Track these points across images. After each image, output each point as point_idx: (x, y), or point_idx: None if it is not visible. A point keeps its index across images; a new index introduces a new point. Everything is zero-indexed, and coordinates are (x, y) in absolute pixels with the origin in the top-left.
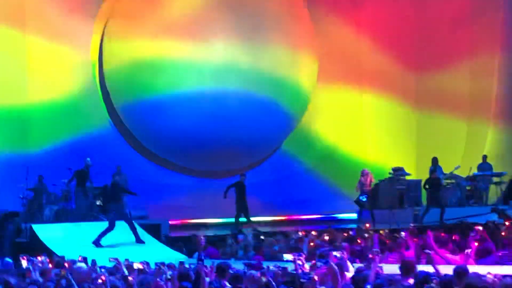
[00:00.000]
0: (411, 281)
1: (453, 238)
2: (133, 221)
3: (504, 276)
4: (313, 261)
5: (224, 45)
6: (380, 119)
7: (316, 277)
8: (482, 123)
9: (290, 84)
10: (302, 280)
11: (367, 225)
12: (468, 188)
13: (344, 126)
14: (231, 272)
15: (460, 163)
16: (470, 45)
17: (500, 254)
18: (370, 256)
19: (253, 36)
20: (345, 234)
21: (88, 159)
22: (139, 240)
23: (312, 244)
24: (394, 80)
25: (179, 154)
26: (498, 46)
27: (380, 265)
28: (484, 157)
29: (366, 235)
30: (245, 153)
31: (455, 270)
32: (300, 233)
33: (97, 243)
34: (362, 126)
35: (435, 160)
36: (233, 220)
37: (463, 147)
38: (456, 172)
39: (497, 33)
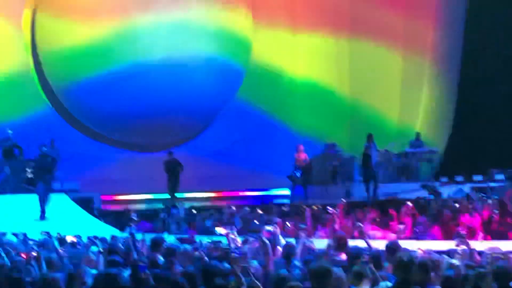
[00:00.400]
0: (344, 256)
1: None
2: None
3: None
4: (245, 237)
5: (155, 16)
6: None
7: (247, 251)
8: (417, 61)
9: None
10: (233, 254)
11: (298, 201)
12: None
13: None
14: (165, 246)
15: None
16: None
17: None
18: (298, 232)
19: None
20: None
21: (10, 131)
22: (42, 217)
23: (245, 219)
24: (328, 12)
25: (113, 128)
26: None
27: (311, 240)
28: (417, 134)
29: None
30: (180, 126)
31: (387, 246)
32: (233, 208)
33: (42, 217)
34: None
35: (370, 137)
36: (166, 195)
37: (399, 83)
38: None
39: None
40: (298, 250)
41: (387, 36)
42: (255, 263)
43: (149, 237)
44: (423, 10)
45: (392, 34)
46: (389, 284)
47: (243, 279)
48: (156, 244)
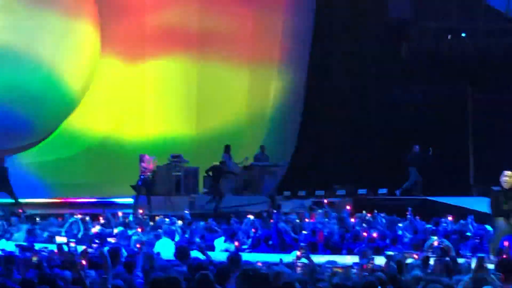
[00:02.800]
0: (185, 267)
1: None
2: None
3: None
4: (84, 247)
5: None
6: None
7: (84, 262)
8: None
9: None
10: (71, 263)
11: (141, 210)
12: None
13: (126, 104)
14: (2, 253)
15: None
16: None
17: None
18: (138, 245)
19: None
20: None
21: None
22: None
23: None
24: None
25: None
26: None
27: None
28: (262, 147)
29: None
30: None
31: (228, 258)
32: (75, 216)
33: None
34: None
35: (227, 148)
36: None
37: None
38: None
39: None
40: (140, 260)
41: (235, 53)
42: (92, 273)
43: None
44: (271, 22)
45: (240, 50)
46: None
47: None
48: None
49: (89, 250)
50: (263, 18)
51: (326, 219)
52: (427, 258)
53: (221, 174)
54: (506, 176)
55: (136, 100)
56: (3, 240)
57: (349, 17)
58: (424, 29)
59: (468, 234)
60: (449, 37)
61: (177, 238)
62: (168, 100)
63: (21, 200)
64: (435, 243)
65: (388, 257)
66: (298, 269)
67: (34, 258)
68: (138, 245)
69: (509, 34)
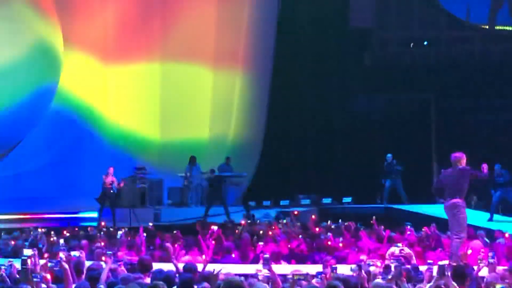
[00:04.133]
0: (148, 279)
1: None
2: None
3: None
4: (45, 261)
5: None
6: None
7: (48, 276)
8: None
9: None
10: (34, 279)
11: (103, 223)
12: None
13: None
14: None
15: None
16: None
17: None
18: (103, 258)
19: None
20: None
21: None
22: None
23: (51, 241)
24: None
25: None
26: None
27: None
28: (227, 159)
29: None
30: None
31: (185, 268)
32: (39, 230)
33: None
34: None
35: (192, 159)
36: None
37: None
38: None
39: None
40: (104, 273)
41: (199, 54)
42: (54, 286)
43: None
44: (234, 23)
45: (204, 52)
46: None
47: None
48: None
49: (49, 264)
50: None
51: (291, 229)
52: (388, 266)
53: (221, 182)
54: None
55: (99, 104)
56: None
57: (312, 27)
58: (386, 38)
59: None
60: (411, 45)
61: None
62: (131, 103)
63: None
64: (397, 251)
65: (354, 266)
66: (259, 280)
67: None
68: (102, 258)
69: (470, 41)
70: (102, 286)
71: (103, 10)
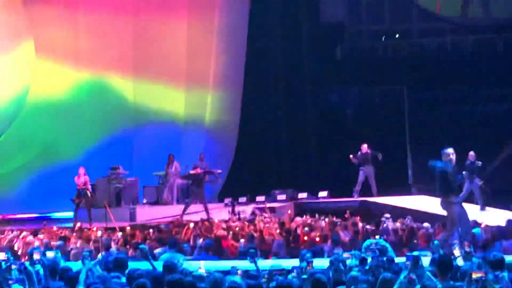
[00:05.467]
0: (124, 279)
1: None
2: None
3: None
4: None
5: None
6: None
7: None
8: (200, 97)
9: None
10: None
11: (78, 224)
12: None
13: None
14: None
15: None
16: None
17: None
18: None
19: None
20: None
21: None
22: None
23: (26, 243)
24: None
25: None
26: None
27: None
28: (201, 155)
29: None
30: None
31: (164, 266)
32: (14, 232)
33: None
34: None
35: (171, 157)
36: None
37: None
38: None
39: None
40: (82, 274)
41: (170, 73)
42: None
43: None
44: (204, 43)
45: (175, 70)
46: None
47: None
48: None
49: (13, 266)
50: (196, 35)
51: (268, 225)
52: (364, 259)
53: (202, 179)
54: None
55: (73, 112)
56: None
57: (283, 21)
58: (358, 31)
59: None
60: (383, 38)
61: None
62: (105, 115)
63: None
64: (372, 244)
65: (333, 259)
66: (238, 276)
67: None
68: (80, 259)
69: (441, 33)
70: (81, 287)
71: (74, 20)
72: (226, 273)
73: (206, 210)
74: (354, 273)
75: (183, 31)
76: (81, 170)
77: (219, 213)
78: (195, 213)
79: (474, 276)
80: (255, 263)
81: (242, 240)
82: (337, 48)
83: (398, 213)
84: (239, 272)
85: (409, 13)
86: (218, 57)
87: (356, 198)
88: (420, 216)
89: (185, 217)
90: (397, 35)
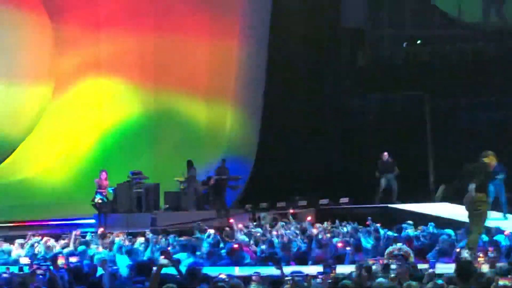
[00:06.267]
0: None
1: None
2: None
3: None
4: (34, 267)
5: None
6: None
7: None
8: (221, 105)
9: None
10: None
11: (101, 229)
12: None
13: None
14: None
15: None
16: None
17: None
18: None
19: None
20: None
21: None
22: None
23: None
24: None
25: None
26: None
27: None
28: (223, 160)
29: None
30: None
31: (187, 271)
32: (36, 237)
33: None
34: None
35: (190, 163)
36: None
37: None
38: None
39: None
40: (106, 279)
41: (191, 85)
42: None
43: None
44: (225, 57)
45: (195, 82)
46: None
47: None
48: None
49: (38, 271)
50: (218, 49)
51: (288, 231)
52: (387, 265)
53: (222, 185)
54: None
55: (94, 117)
56: None
57: (304, 27)
58: (379, 37)
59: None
60: (404, 44)
61: (138, 255)
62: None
63: None
64: (395, 250)
65: (358, 265)
66: (254, 282)
67: None
68: (103, 264)
69: (463, 39)
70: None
71: (96, 22)
72: (247, 279)
73: (227, 215)
74: (380, 279)
75: (205, 46)
76: (103, 175)
77: (240, 218)
78: (216, 219)
79: (501, 282)
80: (281, 268)
81: (263, 246)
82: (358, 54)
83: (420, 219)
84: (254, 278)
85: (430, 19)
86: (240, 66)
87: (378, 205)
88: (442, 222)
89: (206, 223)
90: (418, 41)
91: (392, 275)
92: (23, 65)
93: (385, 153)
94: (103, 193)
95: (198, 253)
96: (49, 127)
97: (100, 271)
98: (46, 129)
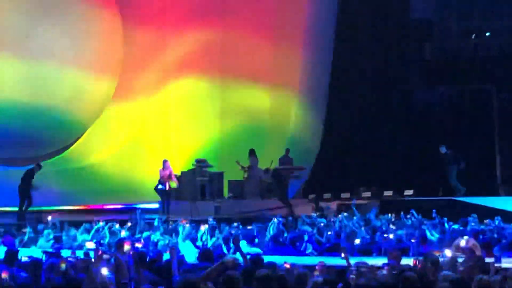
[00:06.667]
0: None
1: None
2: None
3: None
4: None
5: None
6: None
7: (105, 269)
8: (286, 96)
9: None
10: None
11: (164, 215)
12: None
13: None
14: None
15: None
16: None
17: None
18: (170, 250)
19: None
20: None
21: None
22: None
23: (113, 233)
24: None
25: None
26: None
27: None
28: (287, 150)
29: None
30: (47, 140)
31: (251, 259)
32: (100, 223)
33: None
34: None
35: (252, 152)
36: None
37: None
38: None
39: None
40: (175, 264)
41: (256, 75)
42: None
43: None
44: (291, 46)
45: (261, 73)
46: None
47: None
48: (11, 258)
49: (105, 256)
50: (283, 44)
51: (352, 221)
52: (454, 258)
53: (284, 176)
54: None
55: (159, 109)
56: (33, 247)
57: (372, 19)
58: (447, 29)
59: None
60: (473, 36)
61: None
62: (192, 110)
63: (47, 208)
64: (463, 243)
65: (424, 257)
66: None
67: (62, 265)
68: (172, 251)
69: None
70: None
71: (162, 19)
72: (311, 268)
73: (288, 205)
74: (446, 272)
75: (270, 39)
76: (167, 163)
77: (303, 208)
78: (278, 208)
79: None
80: (347, 258)
81: (329, 233)
82: (425, 46)
83: (486, 213)
84: (318, 268)
85: (499, 11)
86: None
87: (443, 197)
88: (509, 217)
89: (269, 212)
90: (487, 34)
91: (461, 268)
92: (93, 53)
93: (443, 147)
94: (165, 182)
95: (260, 241)
96: (116, 113)
97: (165, 257)
98: (114, 114)
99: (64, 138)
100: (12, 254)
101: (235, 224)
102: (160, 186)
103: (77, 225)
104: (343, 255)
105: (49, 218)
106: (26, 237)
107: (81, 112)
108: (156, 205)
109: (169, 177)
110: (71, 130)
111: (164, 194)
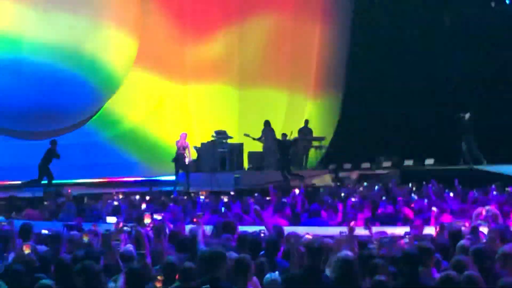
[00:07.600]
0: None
1: None
2: None
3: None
4: (120, 225)
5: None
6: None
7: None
8: (302, 94)
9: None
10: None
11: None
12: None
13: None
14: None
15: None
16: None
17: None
18: (195, 220)
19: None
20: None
21: None
22: None
23: (133, 206)
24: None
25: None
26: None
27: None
28: (306, 121)
29: (185, 197)
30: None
31: (274, 230)
32: (120, 196)
33: None
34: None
35: (267, 123)
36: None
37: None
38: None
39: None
40: (199, 235)
41: (274, 79)
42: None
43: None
44: (307, 49)
45: (279, 76)
46: (275, 275)
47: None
48: (26, 232)
49: (125, 228)
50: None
51: (373, 191)
52: (476, 228)
53: (288, 147)
54: None
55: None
56: (54, 220)
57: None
58: None
59: None
60: (492, 4)
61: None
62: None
63: (67, 181)
64: (483, 212)
65: (442, 227)
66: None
67: (85, 238)
68: (195, 220)
69: None
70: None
71: (180, 26)
72: (332, 238)
73: (286, 178)
74: (463, 242)
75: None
76: (182, 135)
77: (323, 178)
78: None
79: None
80: (370, 228)
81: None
82: (445, 14)
83: (508, 181)
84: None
85: None
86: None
87: (464, 166)
88: None
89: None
90: (507, 1)
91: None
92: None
93: (467, 114)
94: (180, 153)
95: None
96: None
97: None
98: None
99: (83, 112)
100: (26, 228)
101: (256, 195)
102: (174, 159)
103: (97, 198)
104: (364, 225)
105: (69, 191)
106: (46, 212)
107: (99, 86)
108: (172, 177)
109: (184, 149)
110: (90, 104)
111: (181, 166)
